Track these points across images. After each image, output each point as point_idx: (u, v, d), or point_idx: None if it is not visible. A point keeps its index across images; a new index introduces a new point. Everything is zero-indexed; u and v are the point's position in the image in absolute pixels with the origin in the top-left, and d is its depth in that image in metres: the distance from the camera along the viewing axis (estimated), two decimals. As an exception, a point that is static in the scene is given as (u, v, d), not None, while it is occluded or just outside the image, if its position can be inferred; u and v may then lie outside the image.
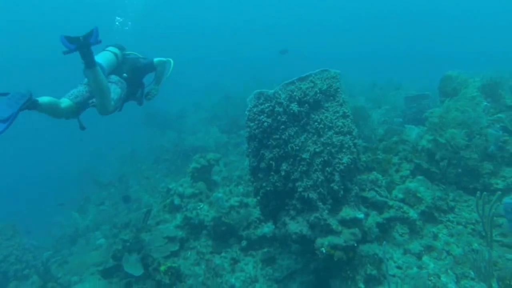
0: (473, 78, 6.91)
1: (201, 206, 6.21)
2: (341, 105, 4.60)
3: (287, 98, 4.32)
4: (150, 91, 5.08)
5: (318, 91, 4.42)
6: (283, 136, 4.27)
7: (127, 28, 11.08)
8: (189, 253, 5.49)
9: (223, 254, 5.32)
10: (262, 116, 4.36)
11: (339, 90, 4.65)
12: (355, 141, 4.50)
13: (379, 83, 13.09)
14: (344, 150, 4.37)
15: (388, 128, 6.81)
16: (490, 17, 44.01)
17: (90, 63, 3.46)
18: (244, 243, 5.28)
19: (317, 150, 4.26)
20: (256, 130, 4.38)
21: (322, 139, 4.30)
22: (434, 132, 5.47)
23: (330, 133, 4.36)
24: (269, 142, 4.34)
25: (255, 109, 4.43)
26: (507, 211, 3.88)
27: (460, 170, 5.30)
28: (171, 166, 12.39)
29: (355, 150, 4.44)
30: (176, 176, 10.74)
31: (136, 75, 4.66)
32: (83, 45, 3.33)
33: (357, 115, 6.89)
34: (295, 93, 4.33)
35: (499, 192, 4.08)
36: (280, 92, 4.35)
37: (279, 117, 4.28)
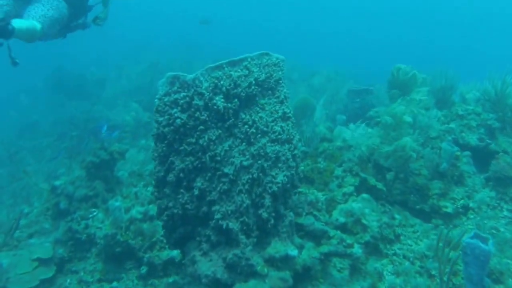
0: (422, 75, 6.39)
1: (95, 213, 4.89)
2: (281, 102, 3.60)
3: (211, 88, 3.17)
4: (98, 14, 4.69)
5: (254, 82, 3.35)
6: (200, 141, 3.14)
7: None
8: (68, 280, 4.19)
9: (114, 283, 4.12)
10: (174, 110, 3.17)
11: (281, 82, 3.64)
12: (295, 152, 3.55)
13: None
14: (280, 165, 3.40)
15: (330, 127, 6.04)
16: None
17: None
18: (144, 269, 4.13)
19: (245, 163, 3.22)
20: (166, 128, 3.20)
21: (252, 149, 3.26)
22: (385, 138, 4.78)
23: (264, 140, 3.34)
24: (182, 147, 3.19)
25: (166, 99, 3.21)
26: (466, 253, 3.26)
27: (407, 187, 4.70)
28: (79, 145, 10.54)
29: (294, 164, 3.50)
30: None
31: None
32: None
33: (299, 110, 6.00)
34: (222, 82, 3.20)
35: (464, 232, 3.46)
36: (202, 78, 3.18)
37: (197, 114, 3.13)
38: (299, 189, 4.55)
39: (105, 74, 15.59)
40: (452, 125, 5.47)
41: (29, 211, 5.60)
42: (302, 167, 4.74)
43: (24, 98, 15.59)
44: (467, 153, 4.97)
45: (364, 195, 4.44)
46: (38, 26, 3.64)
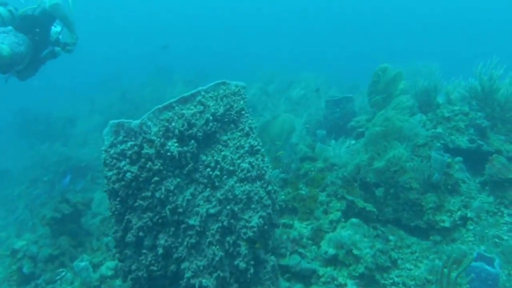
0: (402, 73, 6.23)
1: (63, 274, 4.53)
2: (247, 135, 3.34)
3: (161, 132, 2.90)
4: (67, 41, 4.81)
5: (211, 118, 3.09)
6: (157, 194, 2.86)
7: None
8: None
9: None
10: (123, 162, 2.88)
11: (243, 112, 3.40)
12: (269, 188, 3.28)
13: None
14: (253, 206, 3.13)
15: (310, 144, 5.80)
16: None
17: None
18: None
19: (212, 211, 2.94)
20: (116, 184, 2.90)
21: (219, 193, 2.99)
22: (374, 151, 4.54)
23: (231, 181, 3.07)
24: (137, 203, 2.89)
25: (112, 150, 2.93)
26: (471, 278, 3.01)
27: (399, 203, 4.46)
28: (51, 191, 10.13)
29: (269, 202, 3.23)
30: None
31: (34, 31, 4.33)
32: None
33: (276, 132, 5.76)
34: (174, 124, 2.93)
35: (470, 257, 3.20)
36: (150, 123, 2.91)
37: (149, 164, 2.85)
38: (283, 221, 4.30)
39: (76, 110, 15.24)
40: (439, 129, 5.27)
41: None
42: (283, 196, 4.47)
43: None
44: (459, 158, 4.76)
45: (353, 220, 4.17)
46: (6, 48, 3.77)
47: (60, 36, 4.80)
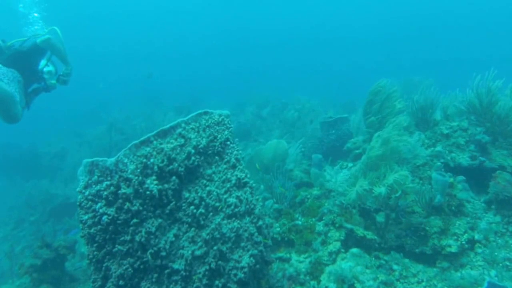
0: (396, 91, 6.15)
1: (43, 327, 4.25)
2: (233, 167, 3.20)
3: (139, 170, 2.75)
4: (61, 74, 4.89)
5: (193, 151, 2.96)
6: (137, 237, 2.68)
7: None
8: None
9: None
10: (99, 204, 2.72)
11: (228, 143, 3.26)
12: (260, 223, 3.11)
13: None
14: (243, 244, 2.95)
15: (306, 169, 5.66)
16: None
17: None
18: None
19: (198, 252, 2.76)
20: (92, 229, 2.72)
21: (204, 233, 2.82)
22: (370, 177, 4.38)
23: (217, 219, 2.90)
24: (116, 249, 2.70)
25: (87, 192, 2.77)
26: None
27: (402, 229, 4.29)
28: (37, 233, 9.82)
29: (260, 239, 3.05)
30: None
31: (24, 64, 4.35)
32: None
33: (269, 160, 5.62)
34: (152, 160, 2.79)
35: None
36: (126, 160, 2.77)
37: (127, 205, 2.69)
38: (279, 254, 4.11)
39: (64, 143, 15.08)
40: (438, 147, 5.15)
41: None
42: (278, 229, 4.28)
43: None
44: (461, 178, 4.62)
45: (354, 250, 3.99)
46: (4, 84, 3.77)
47: (45, 70, 4.78)
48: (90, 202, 2.74)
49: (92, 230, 2.71)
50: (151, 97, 15.55)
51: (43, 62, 4.76)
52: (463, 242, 4.12)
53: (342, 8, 45.22)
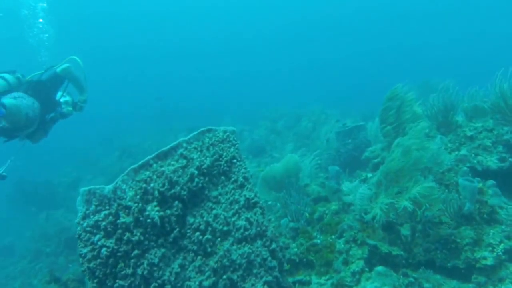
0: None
1: None
2: (241, 186, 3.01)
3: (138, 197, 2.59)
4: (77, 101, 5.08)
5: (197, 173, 2.78)
6: (139, 270, 2.49)
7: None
8: None
9: None
10: (97, 236, 2.56)
11: (235, 161, 3.08)
12: (273, 246, 2.89)
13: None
14: (255, 270, 2.73)
15: (323, 183, 5.42)
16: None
17: None
18: None
19: (206, 283, 2.55)
20: (92, 263, 2.55)
21: (212, 261, 2.61)
22: (391, 192, 4.11)
23: (226, 244, 2.70)
24: (116, 284, 2.52)
25: (85, 223, 2.62)
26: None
27: (430, 242, 3.99)
28: (53, 264, 9.77)
29: (275, 264, 2.82)
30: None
31: (42, 94, 4.52)
32: None
33: (283, 177, 5.41)
34: (152, 185, 2.63)
35: None
36: (124, 186, 2.61)
37: (127, 235, 2.51)
38: (298, 277, 3.86)
39: (79, 173, 15.21)
40: (463, 151, 4.85)
41: None
42: (295, 249, 4.04)
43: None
44: (491, 182, 4.29)
45: (379, 268, 3.70)
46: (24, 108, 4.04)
47: (62, 100, 4.99)
48: (88, 234, 2.58)
49: (91, 265, 2.54)
50: (163, 119, 15.64)
51: (59, 94, 4.91)
52: (500, 253, 3.78)
53: (355, 18, 45.55)
